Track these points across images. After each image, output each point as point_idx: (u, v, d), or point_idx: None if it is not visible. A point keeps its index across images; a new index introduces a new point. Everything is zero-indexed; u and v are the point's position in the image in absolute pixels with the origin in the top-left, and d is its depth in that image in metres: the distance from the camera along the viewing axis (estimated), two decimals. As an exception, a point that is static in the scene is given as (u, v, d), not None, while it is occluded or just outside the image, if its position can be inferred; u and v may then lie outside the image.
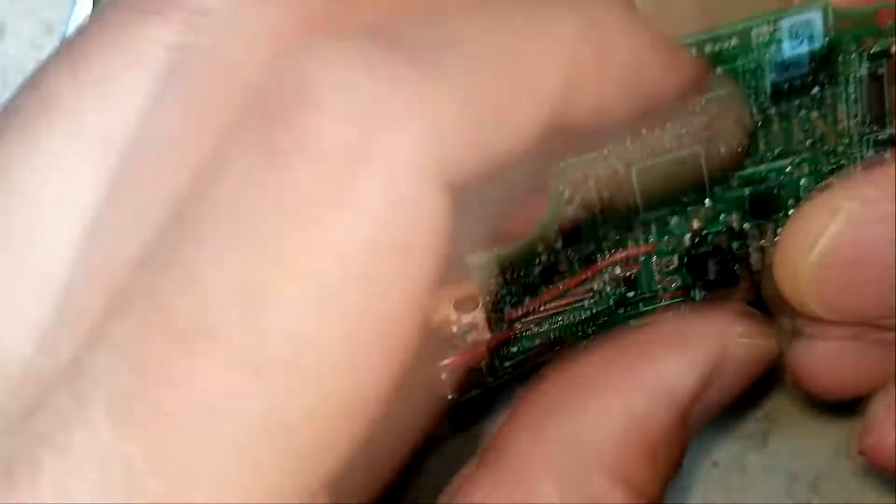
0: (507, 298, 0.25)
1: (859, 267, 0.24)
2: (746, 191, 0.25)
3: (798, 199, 0.26)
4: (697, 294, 0.27)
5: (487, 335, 0.25)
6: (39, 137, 0.19)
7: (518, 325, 0.26)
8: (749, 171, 0.25)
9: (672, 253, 0.26)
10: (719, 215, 0.26)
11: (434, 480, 0.29)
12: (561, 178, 0.24)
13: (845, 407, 0.31)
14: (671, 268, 0.26)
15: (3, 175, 0.19)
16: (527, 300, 0.26)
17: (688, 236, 0.26)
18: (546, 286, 0.25)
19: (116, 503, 0.15)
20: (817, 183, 0.26)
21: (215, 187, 0.17)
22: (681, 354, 0.25)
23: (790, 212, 0.26)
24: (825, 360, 0.26)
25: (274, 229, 0.17)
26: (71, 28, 0.29)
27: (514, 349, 0.26)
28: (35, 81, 0.20)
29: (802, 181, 0.26)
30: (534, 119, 0.19)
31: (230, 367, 0.16)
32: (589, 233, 0.25)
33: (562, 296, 0.26)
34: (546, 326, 0.26)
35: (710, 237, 0.26)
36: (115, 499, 0.15)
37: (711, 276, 0.26)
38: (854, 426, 0.31)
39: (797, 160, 0.25)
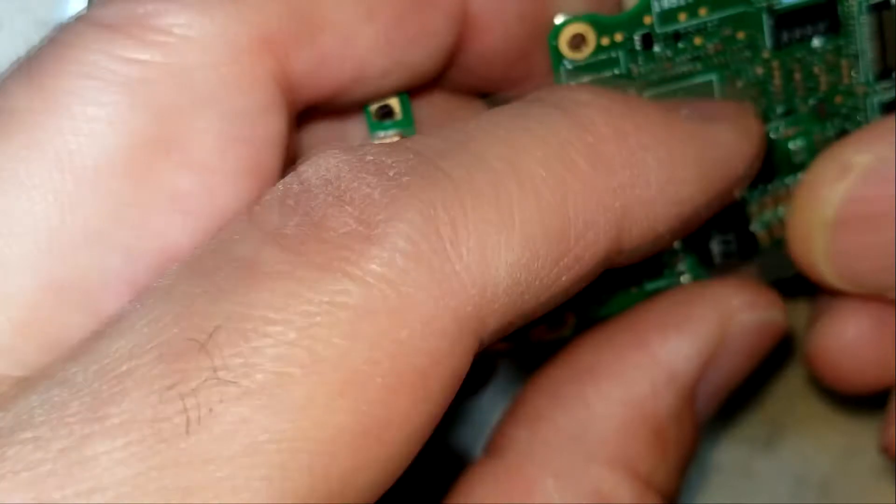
0: None
1: (875, 226, 0.23)
2: None
3: (801, 166, 0.25)
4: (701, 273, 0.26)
5: None
6: (8, 151, 0.19)
7: None
8: None
9: None
10: None
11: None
12: None
13: (852, 409, 0.31)
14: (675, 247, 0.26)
15: None
16: None
17: None
18: None
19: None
20: (806, 120, 0.25)
21: (220, 246, 0.18)
22: (679, 333, 0.24)
23: (787, 177, 0.25)
24: (845, 347, 0.26)
25: (310, 314, 0.17)
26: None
27: None
28: (3, 92, 0.20)
29: (803, 145, 0.25)
30: (573, 288, 0.20)
31: None
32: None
33: None
34: None
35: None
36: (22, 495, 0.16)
37: (718, 261, 0.26)
38: (861, 430, 0.31)
39: (801, 124, 0.25)
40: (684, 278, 0.26)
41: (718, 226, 0.25)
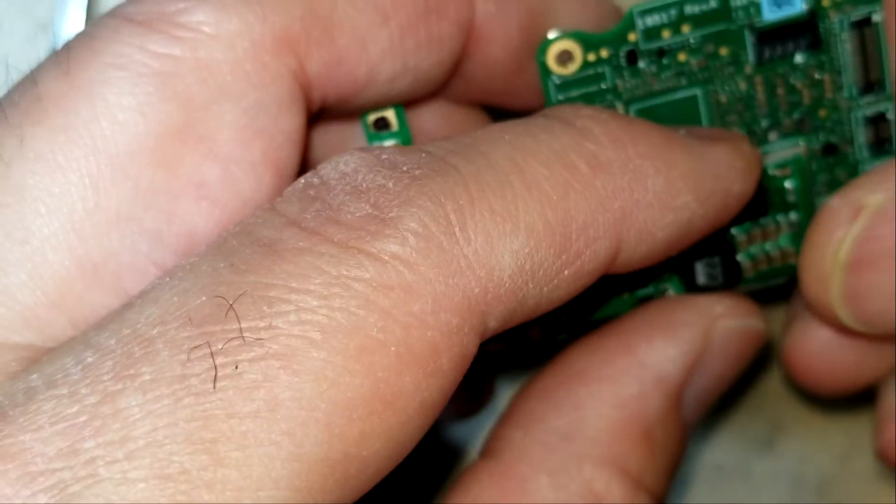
0: None
1: (892, 266, 0.24)
2: None
3: (785, 200, 0.26)
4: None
5: None
6: (33, 133, 0.20)
7: None
8: None
9: None
10: None
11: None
12: None
13: (851, 410, 0.31)
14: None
15: None
16: None
17: None
18: None
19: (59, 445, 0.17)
20: (808, 166, 0.26)
21: (242, 232, 0.19)
22: (666, 338, 0.25)
23: (778, 215, 0.26)
24: (819, 350, 0.26)
25: (329, 286, 0.18)
26: (64, 26, 0.29)
27: None
28: (31, 80, 0.21)
29: (787, 183, 0.26)
30: (574, 288, 0.21)
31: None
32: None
33: None
34: None
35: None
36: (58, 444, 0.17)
37: (700, 281, 0.26)
38: (861, 431, 0.31)
39: (788, 138, 0.26)
40: (669, 294, 0.27)
41: (706, 250, 0.26)
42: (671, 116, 0.25)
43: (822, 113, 0.25)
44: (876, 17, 0.24)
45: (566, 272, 0.20)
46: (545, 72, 0.24)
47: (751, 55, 0.25)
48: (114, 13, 0.22)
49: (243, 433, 0.17)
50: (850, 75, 0.25)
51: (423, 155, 0.20)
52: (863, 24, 0.25)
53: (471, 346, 0.19)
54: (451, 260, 0.19)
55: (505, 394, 0.31)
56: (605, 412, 0.24)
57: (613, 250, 0.21)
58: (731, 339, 0.26)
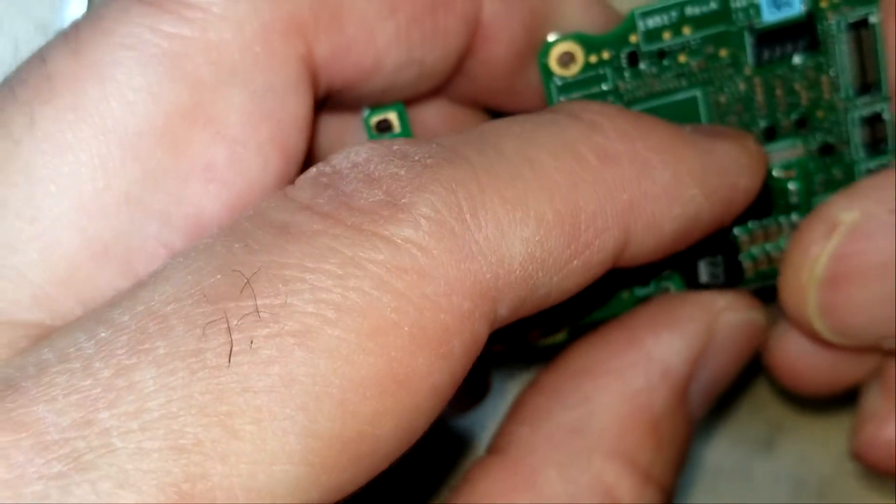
0: None
1: (865, 280, 0.24)
2: None
3: (788, 202, 0.26)
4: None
5: None
6: (42, 112, 0.20)
7: None
8: None
9: None
10: None
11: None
12: None
13: (850, 411, 0.31)
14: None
15: (7, 146, 0.20)
16: None
17: None
18: None
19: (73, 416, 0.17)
20: (808, 164, 0.26)
21: (256, 214, 0.20)
22: (671, 333, 0.25)
23: (780, 216, 0.26)
24: (803, 351, 0.27)
25: (344, 266, 0.18)
26: (64, 27, 0.28)
27: None
28: (39, 58, 0.21)
29: (791, 185, 0.26)
30: (584, 279, 0.21)
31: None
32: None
33: None
34: None
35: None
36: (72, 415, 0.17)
37: (703, 280, 0.27)
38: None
39: (787, 139, 0.26)
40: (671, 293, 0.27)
41: (709, 249, 0.26)
42: (671, 117, 0.25)
43: (820, 114, 0.26)
44: (873, 19, 0.25)
45: (576, 262, 0.21)
46: (547, 73, 0.25)
47: (750, 56, 0.25)
48: None
49: (258, 407, 0.17)
50: (847, 76, 0.25)
51: (434, 146, 0.20)
52: (860, 26, 0.25)
53: (481, 333, 0.20)
54: (462, 245, 0.19)
55: (505, 390, 0.31)
56: (613, 406, 0.25)
57: (622, 241, 0.21)
58: (733, 332, 0.26)
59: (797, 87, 0.25)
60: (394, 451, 0.19)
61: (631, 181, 0.21)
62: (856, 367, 0.27)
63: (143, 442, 0.17)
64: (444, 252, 0.19)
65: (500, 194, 0.20)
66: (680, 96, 0.25)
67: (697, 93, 0.25)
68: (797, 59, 0.25)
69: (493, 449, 0.25)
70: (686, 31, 0.25)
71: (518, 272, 0.20)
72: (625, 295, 0.27)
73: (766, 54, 0.25)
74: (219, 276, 0.18)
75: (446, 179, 0.19)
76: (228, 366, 0.17)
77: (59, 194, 0.20)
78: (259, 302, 0.18)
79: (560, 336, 0.27)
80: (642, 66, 0.25)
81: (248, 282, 0.18)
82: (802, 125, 0.26)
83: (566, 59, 0.25)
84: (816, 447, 0.32)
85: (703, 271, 0.26)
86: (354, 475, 0.18)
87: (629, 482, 0.24)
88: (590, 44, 0.25)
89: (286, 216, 0.19)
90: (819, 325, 0.25)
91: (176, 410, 0.17)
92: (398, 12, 0.23)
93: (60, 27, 0.28)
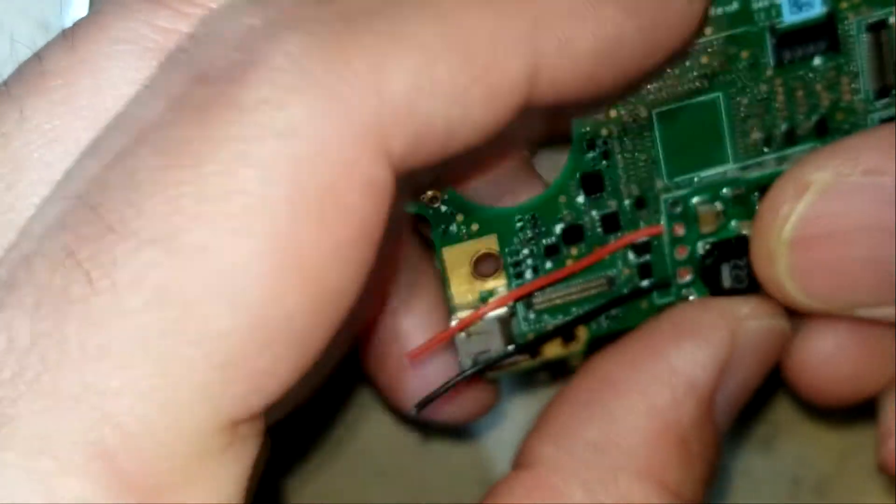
0: (528, 260, 0.26)
1: (835, 243, 0.24)
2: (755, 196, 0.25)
3: None
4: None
5: (506, 305, 0.25)
6: (34, 105, 0.20)
7: (537, 300, 0.26)
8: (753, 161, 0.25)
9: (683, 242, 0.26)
10: (730, 222, 0.26)
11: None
12: (580, 124, 0.25)
13: (849, 411, 0.31)
14: (684, 256, 0.26)
15: None
16: (548, 264, 0.26)
17: (700, 244, 0.26)
18: (568, 248, 0.26)
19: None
20: None
21: (156, 125, 0.18)
22: (694, 344, 0.25)
23: None
24: (822, 361, 0.26)
25: (200, 153, 0.17)
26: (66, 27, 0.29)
27: (535, 322, 0.26)
28: (37, 57, 0.21)
29: None
30: (491, 110, 0.19)
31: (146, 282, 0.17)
32: (610, 186, 0.25)
33: (577, 276, 0.26)
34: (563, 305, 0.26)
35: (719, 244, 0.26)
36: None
37: (726, 285, 0.26)
38: (859, 431, 0.32)
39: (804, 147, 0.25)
40: (691, 299, 0.27)
41: (731, 253, 0.26)
42: (693, 120, 0.25)
43: (840, 116, 0.25)
44: (892, 20, 0.25)
45: (475, 90, 0.19)
46: None
47: (771, 58, 0.25)
48: None
49: (134, 330, 0.17)
50: (866, 78, 0.25)
51: None
52: (879, 27, 0.25)
53: (379, 176, 0.18)
54: (329, 91, 0.18)
55: (527, 405, 0.31)
56: (639, 423, 0.24)
57: (530, 65, 0.20)
58: (758, 339, 0.25)
59: (818, 88, 0.25)
60: (319, 330, 0.18)
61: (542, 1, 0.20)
62: (876, 376, 0.26)
63: (36, 402, 0.16)
64: (307, 104, 0.17)
65: (372, 28, 0.18)
66: (701, 98, 0.25)
67: (719, 94, 0.25)
68: (817, 61, 0.25)
69: (518, 465, 0.25)
70: (708, 31, 0.24)
71: (403, 105, 0.18)
72: (643, 304, 0.26)
73: (786, 55, 0.25)
74: (73, 200, 0.18)
75: (308, 20, 0.18)
76: (95, 294, 0.17)
77: (42, 184, 0.20)
78: (113, 218, 0.17)
79: (578, 347, 0.26)
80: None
81: (97, 207, 0.17)
82: (822, 128, 0.25)
83: None
84: (816, 447, 0.32)
85: (726, 276, 0.26)
86: (273, 367, 0.18)
87: (658, 501, 0.23)
88: None
89: (144, 111, 0.18)
90: (790, 287, 0.24)
91: (50, 353, 0.16)
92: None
93: (62, 27, 0.28)
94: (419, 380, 0.27)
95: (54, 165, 0.20)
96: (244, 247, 0.17)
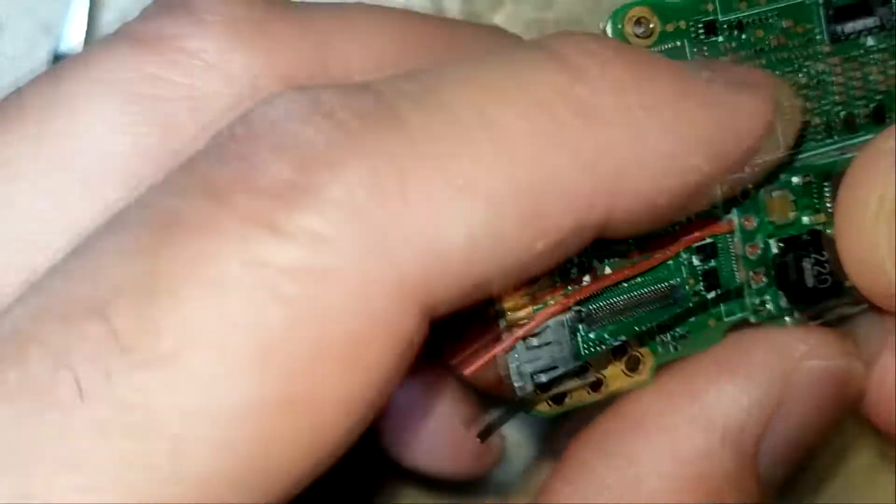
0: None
1: None
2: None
3: None
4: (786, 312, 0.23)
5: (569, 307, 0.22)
6: (5, 141, 0.19)
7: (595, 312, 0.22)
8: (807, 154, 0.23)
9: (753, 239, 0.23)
10: (801, 217, 0.23)
11: None
12: None
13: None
14: (756, 255, 0.23)
15: None
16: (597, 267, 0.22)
17: (772, 241, 0.23)
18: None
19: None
20: None
21: (151, 194, 0.17)
22: (737, 384, 0.21)
23: None
24: None
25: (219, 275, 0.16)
26: (68, 28, 0.29)
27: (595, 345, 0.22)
28: (18, 90, 0.20)
29: None
30: (553, 259, 0.18)
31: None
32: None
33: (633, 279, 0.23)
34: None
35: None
36: None
37: (810, 284, 0.23)
38: (857, 430, 0.31)
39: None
40: (768, 308, 0.23)
41: (806, 246, 0.23)
42: None
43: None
44: None
45: (539, 245, 0.17)
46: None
47: (825, 33, 0.23)
48: (119, 29, 0.20)
49: (113, 452, 0.15)
50: None
51: (370, 99, 0.17)
52: None
53: (411, 329, 0.17)
54: (380, 235, 0.16)
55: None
56: (665, 470, 0.21)
57: (602, 219, 0.18)
58: (818, 382, 0.22)
59: (874, 70, 0.24)
60: (302, 476, 0.17)
61: (618, 147, 0.18)
62: None
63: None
64: (355, 249, 0.16)
65: (439, 166, 0.17)
66: None
67: (776, 73, 0.23)
68: (870, 40, 0.23)
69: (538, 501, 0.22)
70: (761, 0, 0.23)
71: (457, 264, 0.17)
72: (711, 322, 0.23)
73: (840, 30, 0.23)
74: (81, 292, 0.16)
75: (371, 151, 0.16)
76: (81, 402, 0.15)
77: (9, 222, 0.19)
78: (120, 326, 0.15)
79: (644, 376, 0.22)
80: (720, 38, 0.23)
81: (105, 307, 0.16)
82: (880, 116, 0.24)
83: (641, 25, 0.22)
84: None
85: (809, 273, 0.22)
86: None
87: None
88: (665, 11, 0.22)
89: (177, 202, 0.17)
90: (891, 267, 0.20)
91: (18, 457, 0.15)
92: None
93: (64, 28, 0.29)
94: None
95: (17, 205, 0.19)
96: (251, 388, 0.16)
